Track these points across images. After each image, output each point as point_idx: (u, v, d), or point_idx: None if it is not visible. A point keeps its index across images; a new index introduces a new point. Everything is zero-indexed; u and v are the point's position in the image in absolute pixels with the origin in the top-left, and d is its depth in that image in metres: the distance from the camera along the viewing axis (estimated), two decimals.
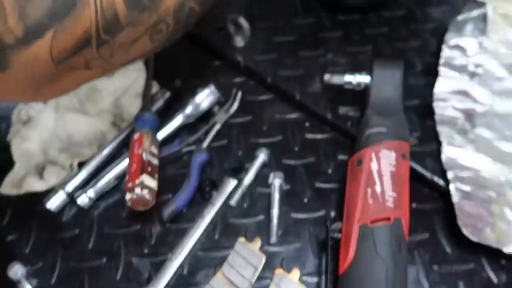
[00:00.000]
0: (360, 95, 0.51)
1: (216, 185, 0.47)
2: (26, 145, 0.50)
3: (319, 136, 0.51)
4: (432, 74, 0.53)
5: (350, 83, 0.51)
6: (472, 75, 0.52)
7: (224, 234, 0.45)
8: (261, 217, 0.45)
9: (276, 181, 0.46)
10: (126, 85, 0.53)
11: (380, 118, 0.45)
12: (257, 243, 0.43)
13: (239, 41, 0.59)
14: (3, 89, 0.30)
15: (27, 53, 0.27)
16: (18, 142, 0.50)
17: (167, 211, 0.45)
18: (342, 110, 0.52)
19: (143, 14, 0.34)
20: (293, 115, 0.53)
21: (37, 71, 0.29)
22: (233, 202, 0.46)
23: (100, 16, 0.30)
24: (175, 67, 0.58)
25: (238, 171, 0.48)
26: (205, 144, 0.50)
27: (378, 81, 0.48)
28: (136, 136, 0.45)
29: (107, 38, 0.32)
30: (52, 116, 0.51)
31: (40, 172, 0.49)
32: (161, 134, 0.50)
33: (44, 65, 0.29)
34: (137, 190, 0.40)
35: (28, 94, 0.32)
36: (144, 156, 0.43)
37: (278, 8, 0.64)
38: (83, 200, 0.46)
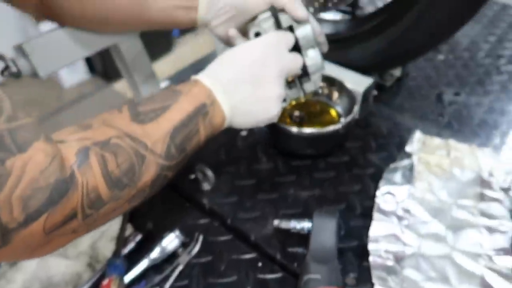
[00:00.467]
0: (306, 237, 0.59)
1: None
2: (10, 287, 0.56)
3: (269, 276, 0.58)
4: (369, 216, 0.62)
5: (295, 228, 0.59)
6: (401, 219, 0.60)
7: None
8: None
9: None
10: (103, 229, 0.62)
11: (317, 265, 0.53)
12: None
13: (206, 186, 0.69)
14: (2, 257, 0.38)
15: (25, 232, 0.35)
16: (3, 284, 0.57)
17: None
18: (290, 251, 0.59)
19: (124, 191, 0.43)
20: (248, 256, 0.60)
21: (32, 242, 0.37)
22: None
23: (85, 197, 0.39)
24: (149, 209, 0.67)
25: None
26: (167, 285, 0.56)
27: (317, 230, 0.56)
28: (105, 282, 0.52)
29: (91, 212, 0.40)
30: (36, 260, 0.58)
31: None
32: (129, 276, 0.56)
33: (38, 237, 0.36)
34: None
35: (23, 257, 0.40)
36: None
37: (242, 154, 0.75)
38: None
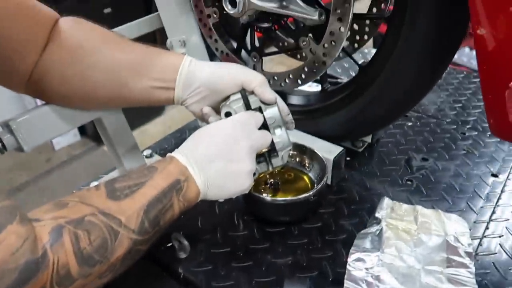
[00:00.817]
0: None
1: None
2: None
3: None
4: (341, 283, 0.63)
5: None
6: (371, 286, 0.62)
7: None
8: None
9: None
10: None
11: None
12: None
13: (182, 254, 0.70)
14: None
15: None
16: None
17: None
18: None
19: (94, 268, 0.44)
20: None
21: None
22: None
23: (54, 275, 0.40)
24: (124, 278, 0.67)
25: None
26: None
27: None
28: None
29: None
30: None
31: None
32: None
33: None
34: None
35: None
36: None
37: (219, 221, 0.77)
38: None
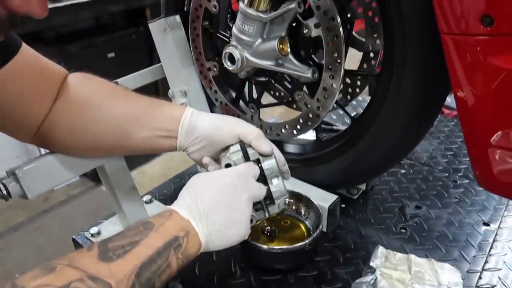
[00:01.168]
0: None
1: None
2: None
3: None
4: None
5: None
6: None
7: None
8: None
9: None
10: None
11: None
12: None
13: None
14: None
15: None
16: None
17: None
18: None
19: None
20: None
21: None
22: None
23: None
24: None
25: None
26: None
27: None
28: None
29: None
30: None
31: None
32: None
33: None
34: None
35: None
36: None
37: (216, 269, 0.77)
38: None
